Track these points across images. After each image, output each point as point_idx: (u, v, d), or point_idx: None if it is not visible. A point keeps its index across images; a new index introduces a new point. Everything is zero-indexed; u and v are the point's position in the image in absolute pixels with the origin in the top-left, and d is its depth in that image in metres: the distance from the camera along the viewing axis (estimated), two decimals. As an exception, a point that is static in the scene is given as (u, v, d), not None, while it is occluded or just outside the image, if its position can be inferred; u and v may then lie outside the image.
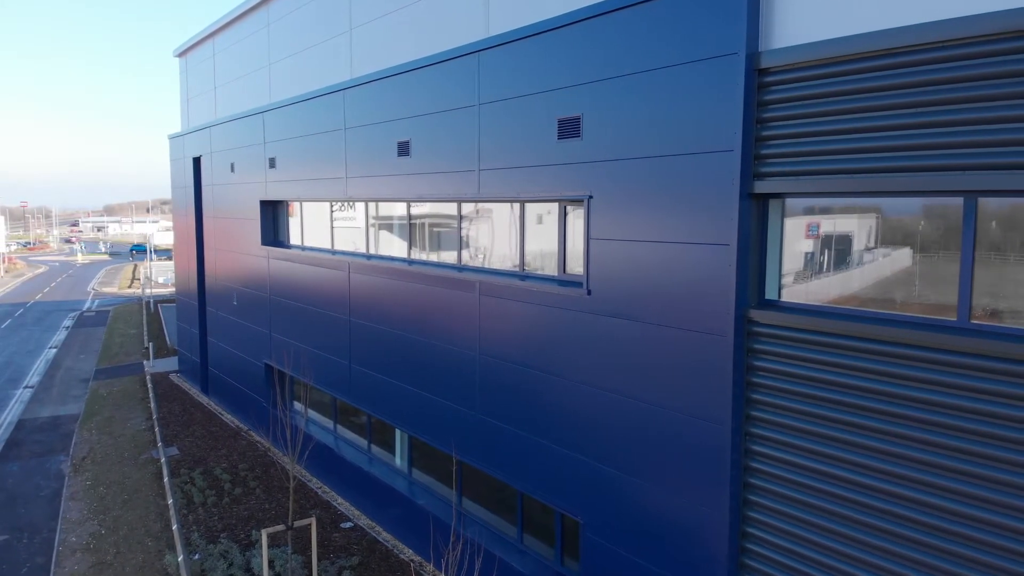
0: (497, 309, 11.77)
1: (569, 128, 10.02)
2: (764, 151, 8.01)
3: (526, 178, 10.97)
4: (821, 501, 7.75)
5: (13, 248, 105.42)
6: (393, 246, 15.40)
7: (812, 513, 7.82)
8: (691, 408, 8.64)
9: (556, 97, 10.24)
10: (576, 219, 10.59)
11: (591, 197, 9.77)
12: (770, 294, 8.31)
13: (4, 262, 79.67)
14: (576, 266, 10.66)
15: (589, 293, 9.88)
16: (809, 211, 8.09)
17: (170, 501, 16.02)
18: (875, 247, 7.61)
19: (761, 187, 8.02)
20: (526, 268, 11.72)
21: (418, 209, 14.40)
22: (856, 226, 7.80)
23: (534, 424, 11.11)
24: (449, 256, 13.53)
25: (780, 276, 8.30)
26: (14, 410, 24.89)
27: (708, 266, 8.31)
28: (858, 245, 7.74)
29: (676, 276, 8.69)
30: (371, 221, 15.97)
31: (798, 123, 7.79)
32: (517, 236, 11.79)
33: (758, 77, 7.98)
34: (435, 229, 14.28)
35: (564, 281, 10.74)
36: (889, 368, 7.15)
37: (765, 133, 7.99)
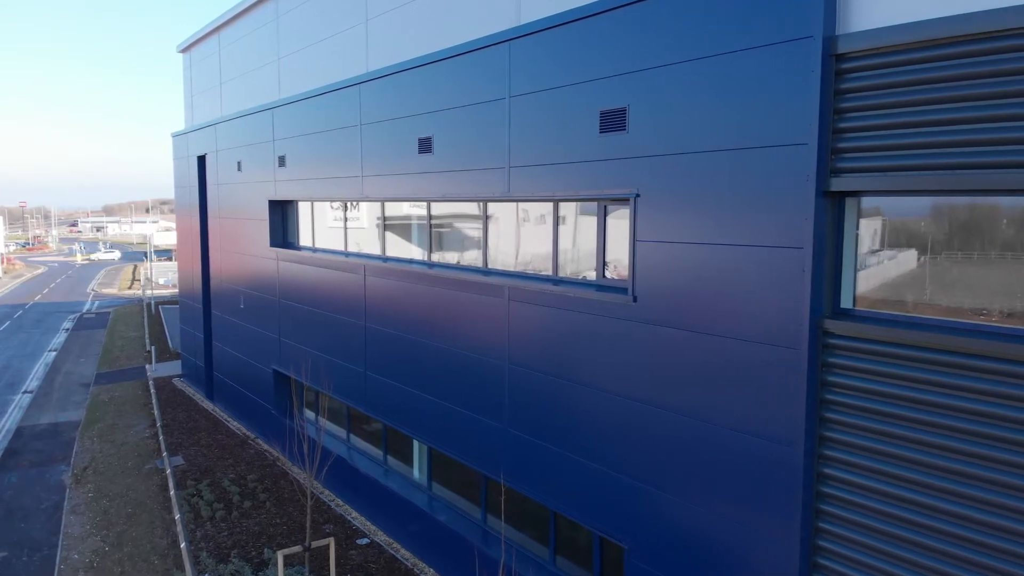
0: (529, 316, 11.02)
1: (613, 121, 9.26)
2: (841, 144, 7.25)
3: (562, 176, 10.21)
4: (905, 531, 6.99)
5: (12, 249, 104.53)
6: (407, 248, 14.64)
7: (894, 544, 7.06)
8: (756, 427, 7.88)
9: (598, 88, 9.48)
10: (617, 219, 9.83)
11: (638, 195, 9.01)
12: (844, 302, 7.55)
13: (3, 263, 78.83)
14: (618, 270, 9.89)
15: (635, 300, 9.12)
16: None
17: (177, 516, 15.24)
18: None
19: (837, 184, 7.26)
20: (558, 271, 10.96)
21: (437, 209, 13.64)
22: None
23: (571, 440, 10.35)
24: (454, 257, 12.76)
25: (855, 283, 7.55)
26: (13, 416, 24.13)
27: (778, 271, 7.55)
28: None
29: (739, 282, 7.93)
30: (378, 221, 15.21)
31: (879, 114, 7.03)
32: (549, 238, 11.03)
33: (835, 63, 7.23)
34: (452, 230, 13.52)
35: (604, 286, 9.99)
36: (985, 386, 6.40)
37: (842, 125, 7.24)
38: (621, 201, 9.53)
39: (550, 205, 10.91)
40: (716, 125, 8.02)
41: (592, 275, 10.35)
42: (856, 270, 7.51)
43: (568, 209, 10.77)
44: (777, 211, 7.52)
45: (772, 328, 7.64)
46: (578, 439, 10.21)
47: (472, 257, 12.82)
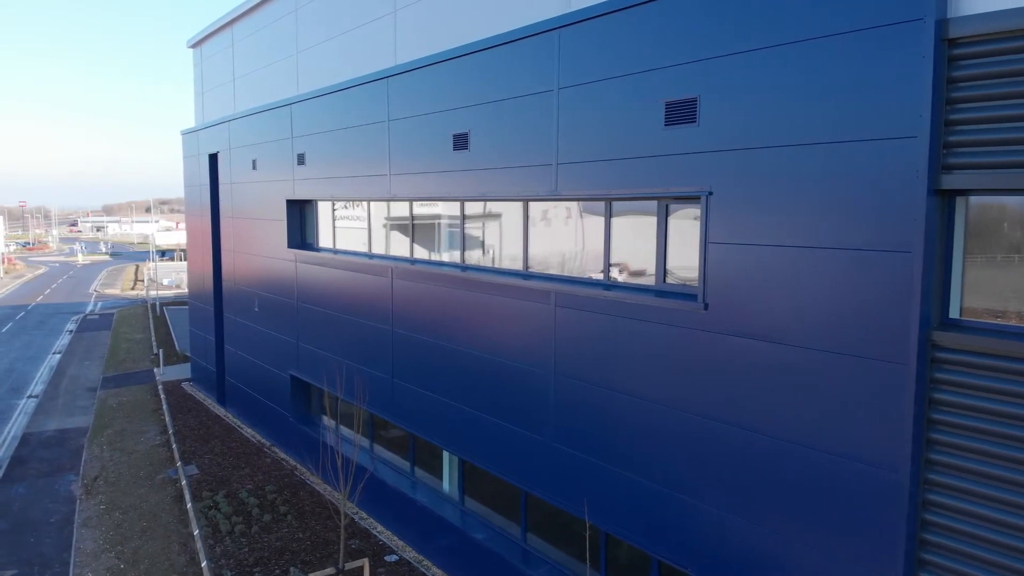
0: (578, 323, 10.31)
1: (681, 112, 8.56)
2: (953, 138, 6.56)
3: (619, 172, 9.51)
4: (1020, 563, 6.31)
5: (12, 248, 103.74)
6: (425, 249, 13.94)
7: (1011, 580, 6.38)
8: (851, 449, 7.17)
9: (663, 77, 8.77)
10: (680, 220, 9.13)
11: (710, 193, 8.30)
12: (952, 312, 6.85)
13: (3, 263, 78.06)
14: (682, 274, 9.19)
15: (706, 307, 8.42)
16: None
17: (196, 531, 14.51)
18: None
19: (949, 182, 6.57)
20: (609, 275, 10.25)
21: (466, 209, 12.91)
22: None
23: (626, 457, 9.64)
24: (487, 259, 12.05)
25: (963, 291, 6.85)
26: (18, 422, 23.39)
27: (881, 278, 6.85)
28: None
29: (833, 289, 7.22)
30: (391, 222, 14.51)
31: (996, 105, 6.35)
32: (594, 238, 10.32)
33: (947, 49, 6.53)
34: (485, 230, 12.81)
35: (665, 292, 9.28)
36: None
37: (954, 117, 6.55)
38: (688, 200, 8.83)
39: (595, 204, 10.21)
40: (808, 117, 7.31)
41: (642, 279, 9.64)
42: (964, 277, 6.83)
43: (619, 208, 10.06)
44: (881, 211, 6.82)
45: (873, 341, 6.93)
46: (634, 456, 9.51)
47: (510, 260, 12.10)
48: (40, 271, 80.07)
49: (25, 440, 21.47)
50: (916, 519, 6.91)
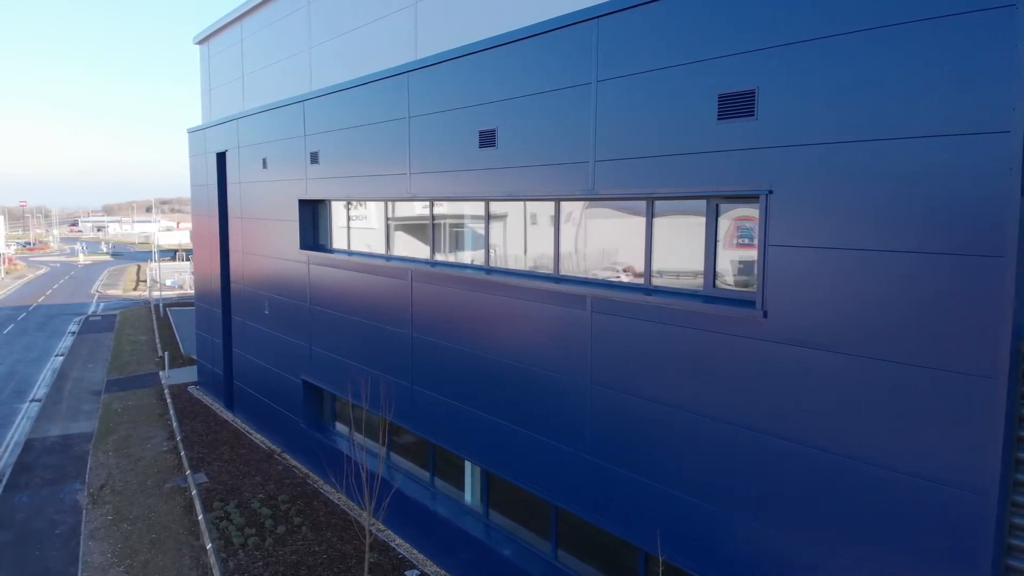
0: (617, 330, 9.76)
1: (737, 106, 8.01)
2: (1048, 132, 6.02)
3: (664, 170, 8.96)
4: None
5: (13, 249, 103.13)
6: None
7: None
8: (932, 470, 6.62)
9: (717, 68, 8.22)
10: (732, 220, 8.58)
11: (770, 192, 7.76)
12: (1042, 321, 6.31)
13: (4, 263, 77.50)
14: (730, 278, 8.65)
15: (765, 315, 7.87)
16: None
17: (208, 545, 13.96)
18: None
19: (1043, 180, 6.03)
20: (651, 280, 9.70)
21: (481, 210, 12.37)
22: None
23: (671, 473, 9.09)
24: (510, 262, 11.51)
25: (1054, 297, 6.30)
26: (21, 427, 22.84)
27: (967, 284, 6.30)
28: None
29: (912, 296, 6.67)
30: (400, 222, 13.97)
31: (1097, 95, 5.81)
32: (642, 242, 9.78)
33: (1042, 34, 5.99)
34: (499, 231, 12.26)
35: (715, 298, 8.73)
36: None
37: (1049, 108, 6.00)
38: (743, 199, 8.28)
39: (629, 204, 9.67)
40: (884, 110, 6.76)
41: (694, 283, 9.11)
42: (1056, 282, 6.28)
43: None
44: (967, 212, 6.26)
45: (958, 353, 6.38)
46: (681, 472, 8.96)
47: (540, 263, 11.56)
48: (41, 271, 79.51)
49: (28, 446, 20.92)
50: (1002, 545, 6.37)
